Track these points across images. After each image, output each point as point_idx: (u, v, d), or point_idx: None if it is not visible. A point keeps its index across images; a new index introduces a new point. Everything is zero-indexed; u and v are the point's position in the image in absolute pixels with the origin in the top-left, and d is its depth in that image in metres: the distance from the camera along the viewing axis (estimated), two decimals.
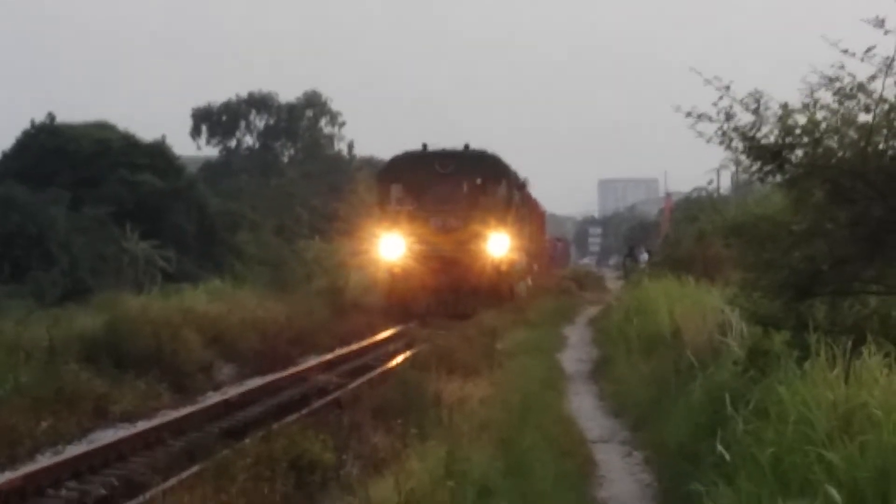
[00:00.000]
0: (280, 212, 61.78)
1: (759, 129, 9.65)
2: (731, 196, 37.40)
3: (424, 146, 34.24)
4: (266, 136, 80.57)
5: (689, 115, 9.72)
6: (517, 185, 36.12)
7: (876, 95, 9.17)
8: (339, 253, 41.79)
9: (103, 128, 50.86)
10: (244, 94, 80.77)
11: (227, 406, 16.79)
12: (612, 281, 58.14)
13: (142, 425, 15.10)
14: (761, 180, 10.31)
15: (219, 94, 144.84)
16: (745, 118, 9.66)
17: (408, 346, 22.95)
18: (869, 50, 9.00)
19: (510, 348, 21.73)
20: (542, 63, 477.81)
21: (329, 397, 17.21)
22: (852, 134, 9.35)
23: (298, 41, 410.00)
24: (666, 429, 12.07)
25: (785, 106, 9.53)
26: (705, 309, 15.06)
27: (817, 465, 6.72)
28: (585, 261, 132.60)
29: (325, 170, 75.82)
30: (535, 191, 45.06)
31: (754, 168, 9.96)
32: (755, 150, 9.73)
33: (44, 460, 12.98)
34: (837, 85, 9.26)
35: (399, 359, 20.94)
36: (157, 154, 50.18)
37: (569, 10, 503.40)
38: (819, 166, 9.46)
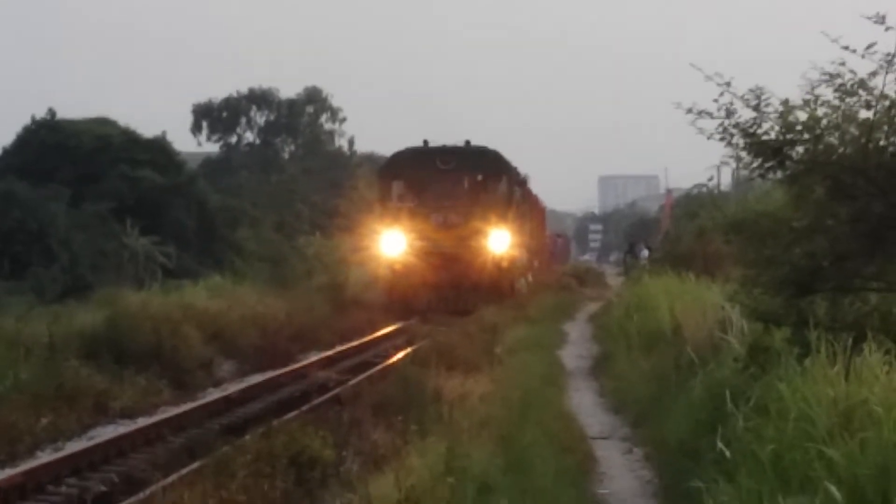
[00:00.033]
0: (280, 208, 61.70)
1: (759, 126, 9.64)
2: (731, 192, 37.37)
3: (425, 142, 34.27)
4: (266, 132, 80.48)
5: (689, 111, 9.71)
6: (518, 182, 36.14)
7: (877, 92, 9.16)
8: (340, 249, 41.81)
9: (104, 124, 50.74)
10: (245, 90, 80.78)
11: (228, 402, 16.81)
12: (613, 277, 58.11)
13: (142, 422, 15.13)
14: (762, 177, 10.30)
15: (219, 90, 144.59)
16: (745, 114, 9.66)
17: (408, 343, 22.94)
18: (870, 46, 9.00)
19: (511, 344, 21.71)
20: (543, 59, 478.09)
21: (329, 394, 17.22)
22: (853, 130, 9.34)
23: (299, 37, 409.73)
24: (666, 425, 12.06)
25: (786, 102, 9.52)
26: (706, 305, 15.06)
27: (818, 462, 6.72)
28: (586, 257, 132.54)
29: (325, 166, 75.74)
30: (536, 187, 45.12)
31: (755, 164, 9.95)
32: (756, 146, 9.72)
33: (44, 457, 12.99)
34: (838, 81, 9.25)
35: (399, 355, 20.94)
36: (158, 150, 50.09)
37: (569, 7, 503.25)
38: (820, 163, 9.44)
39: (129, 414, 16.09)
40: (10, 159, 47.90)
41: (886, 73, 9.05)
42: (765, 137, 9.65)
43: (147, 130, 51.50)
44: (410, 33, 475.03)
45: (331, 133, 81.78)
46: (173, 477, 11.29)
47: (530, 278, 39.77)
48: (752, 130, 9.65)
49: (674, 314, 16.72)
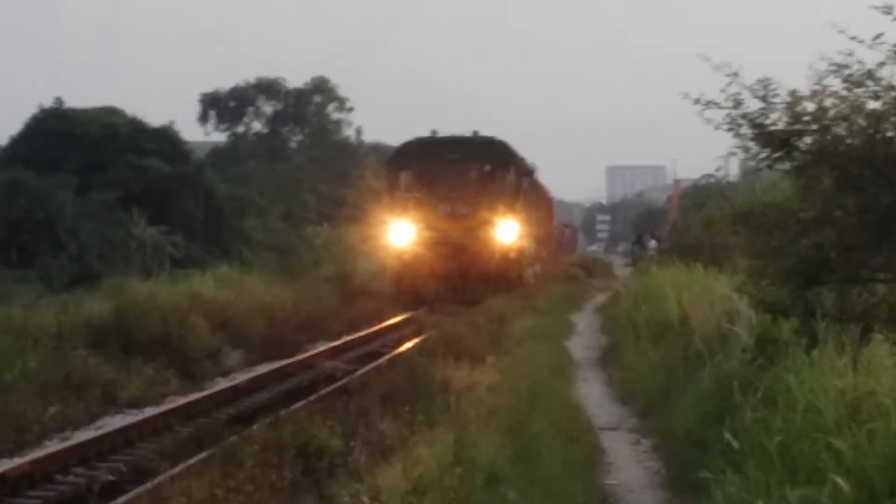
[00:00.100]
0: (288, 197, 61.63)
1: (767, 116, 9.64)
2: (739, 183, 37.28)
3: (434, 133, 34.25)
4: (274, 121, 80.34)
5: (697, 102, 9.71)
6: (525, 172, 36.11)
7: (885, 83, 9.15)
8: (348, 239, 41.78)
9: (111, 112, 50.74)
10: (252, 79, 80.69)
11: (235, 392, 16.82)
12: (621, 268, 58.02)
13: (150, 411, 15.15)
14: (769, 167, 10.29)
15: (227, 79, 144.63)
16: (753, 105, 9.66)
17: (416, 333, 22.94)
18: (877, 37, 8.99)
19: (518, 335, 21.69)
20: (551, 50, 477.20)
21: (337, 384, 17.23)
22: (861, 121, 9.33)
23: (307, 27, 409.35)
24: (674, 416, 12.06)
25: (793, 93, 9.52)
26: (713, 296, 15.04)
27: (825, 453, 6.72)
28: (593, 248, 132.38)
29: (332, 155, 75.62)
30: (543, 177, 45.11)
31: (763, 155, 9.95)
32: (763, 136, 9.72)
33: (52, 446, 13.01)
34: (846, 72, 9.23)
35: (407, 345, 20.94)
36: (165, 139, 50.08)
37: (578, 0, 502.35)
38: (827, 153, 9.44)
39: (136, 403, 16.11)
40: (17, 148, 47.93)
41: (894, 63, 9.04)
42: (772, 128, 9.65)
43: (154, 120, 51.59)
44: (420, 24, 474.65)
45: (338, 123, 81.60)
46: (181, 466, 11.30)
47: (538, 268, 39.73)
48: (759, 121, 9.65)
49: (682, 305, 16.71)
